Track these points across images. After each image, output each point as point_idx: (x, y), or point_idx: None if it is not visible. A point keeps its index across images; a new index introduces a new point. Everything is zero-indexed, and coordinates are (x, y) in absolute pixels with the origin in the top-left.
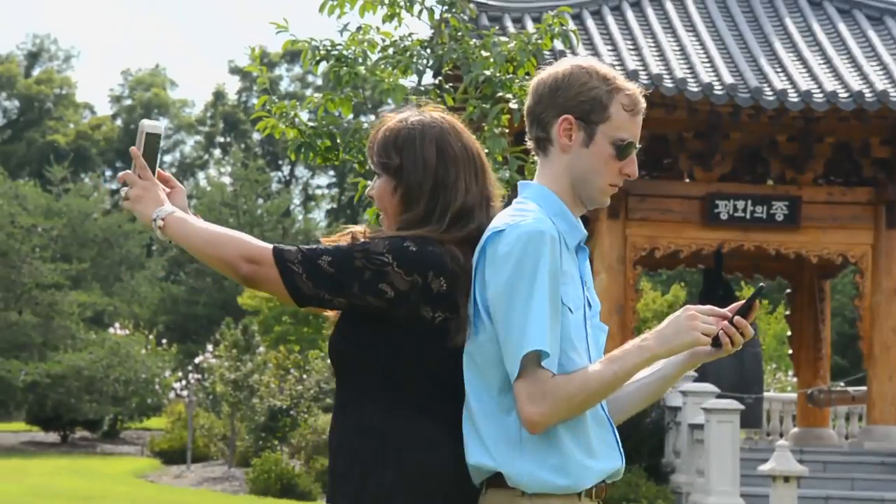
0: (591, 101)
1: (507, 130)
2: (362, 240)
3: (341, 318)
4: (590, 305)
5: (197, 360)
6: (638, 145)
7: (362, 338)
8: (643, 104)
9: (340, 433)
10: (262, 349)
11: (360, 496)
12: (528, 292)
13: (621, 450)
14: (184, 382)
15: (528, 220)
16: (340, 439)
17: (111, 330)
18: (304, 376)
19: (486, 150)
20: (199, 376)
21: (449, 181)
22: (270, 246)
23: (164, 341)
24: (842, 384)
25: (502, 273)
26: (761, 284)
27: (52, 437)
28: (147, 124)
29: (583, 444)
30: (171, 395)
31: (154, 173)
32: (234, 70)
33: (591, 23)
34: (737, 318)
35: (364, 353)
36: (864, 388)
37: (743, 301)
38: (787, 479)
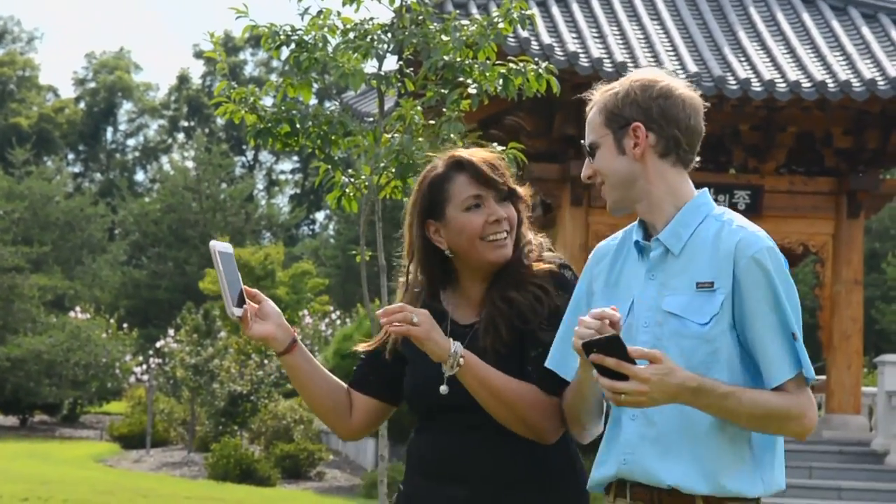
0: None
1: (465, 115)
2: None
3: (504, 322)
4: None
5: (158, 345)
6: (583, 141)
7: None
8: (588, 102)
9: (527, 464)
10: (222, 334)
11: None
12: None
13: (618, 457)
14: (144, 367)
15: None
16: (536, 471)
17: (72, 314)
18: (265, 361)
19: (444, 135)
20: (160, 361)
21: None
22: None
23: (124, 325)
24: None
25: None
26: (610, 335)
27: (11, 420)
28: (219, 245)
29: (597, 450)
30: (132, 379)
31: (239, 290)
32: (199, 54)
33: (556, 10)
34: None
35: None
36: (822, 377)
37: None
38: None
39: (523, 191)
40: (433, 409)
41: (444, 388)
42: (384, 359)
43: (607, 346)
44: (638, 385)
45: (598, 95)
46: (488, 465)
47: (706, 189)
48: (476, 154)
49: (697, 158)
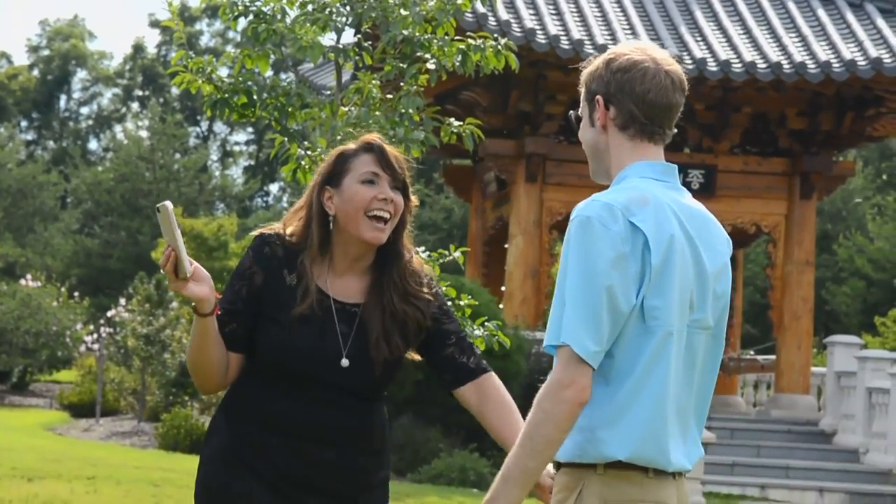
0: None
1: (423, 89)
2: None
3: (397, 330)
4: None
5: (109, 314)
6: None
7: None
8: None
9: (379, 431)
10: (174, 304)
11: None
12: None
13: None
14: (95, 336)
15: None
16: (382, 436)
17: (23, 281)
18: None
19: (402, 110)
20: (111, 330)
21: None
22: None
23: (76, 294)
24: (751, 352)
25: None
26: None
27: None
28: (170, 205)
29: None
30: (82, 348)
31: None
32: (154, 24)
33: None
34: None
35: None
36: (773, 356)
37: None
38: None
39: (414, 199)
40: (317, 381)
41: (345, 362)
42: (248, 313)
43: None
44: None
45: (587, 68)
46: (355, 433)
47: (643, 162)
48: (388, 146)
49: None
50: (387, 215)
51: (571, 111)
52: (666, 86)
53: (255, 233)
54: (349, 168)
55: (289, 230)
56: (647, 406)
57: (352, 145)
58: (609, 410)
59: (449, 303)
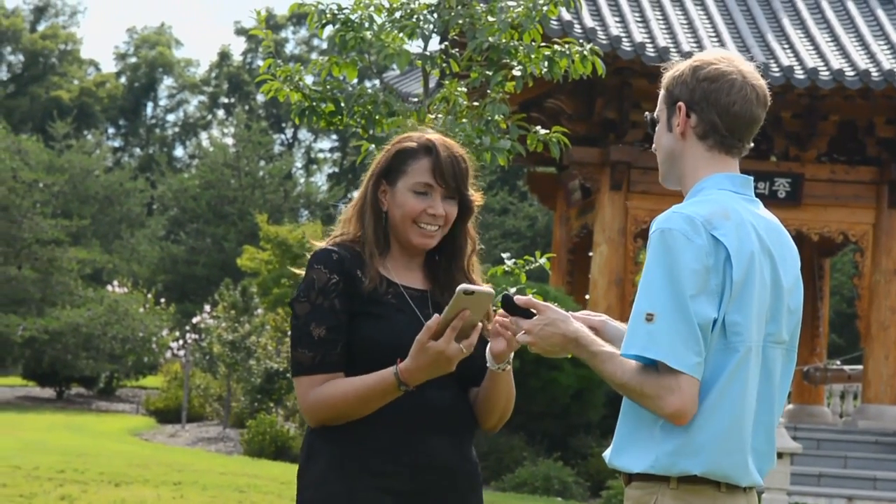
0: None
1: (508, 97)
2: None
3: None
4: None
5: (195, 321)
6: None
7: None
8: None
9: (468, 414)
10: (260, 311)
11: None
12: None
13: None
14: (181, 342)
15: None
16: (471, 418)
17: (110, 287)
18: None
19: (488, 117)
20: (197, 336)
21: None
22: None
23: (162, 300)
24: (838, 362)
25: None
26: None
27: (48, 392)
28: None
29: None
30: (168, 354)
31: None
32: (240, 31)
33: None
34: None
35: None
36: (859, 366)
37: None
38: (780, 455)
39: (476, 197)
40: None
41: None
42: (346, 325)
43: (507, 305)
44: (524, 336)
45: (669, 71)
46: (460, 414)
47: (721, 174)
48: (449, 146)
49: (749, 146)
50: (434, 228)
51: (648, 112)
52: (751, 99)
53: (312, 251)
54: (405, 170)
55: (349, 228)
56: (725, 421)
57: (412, 142)
58: (689, 426)
59: None
